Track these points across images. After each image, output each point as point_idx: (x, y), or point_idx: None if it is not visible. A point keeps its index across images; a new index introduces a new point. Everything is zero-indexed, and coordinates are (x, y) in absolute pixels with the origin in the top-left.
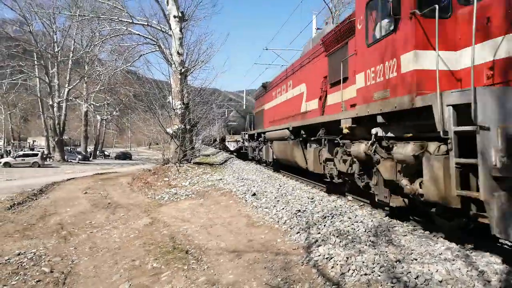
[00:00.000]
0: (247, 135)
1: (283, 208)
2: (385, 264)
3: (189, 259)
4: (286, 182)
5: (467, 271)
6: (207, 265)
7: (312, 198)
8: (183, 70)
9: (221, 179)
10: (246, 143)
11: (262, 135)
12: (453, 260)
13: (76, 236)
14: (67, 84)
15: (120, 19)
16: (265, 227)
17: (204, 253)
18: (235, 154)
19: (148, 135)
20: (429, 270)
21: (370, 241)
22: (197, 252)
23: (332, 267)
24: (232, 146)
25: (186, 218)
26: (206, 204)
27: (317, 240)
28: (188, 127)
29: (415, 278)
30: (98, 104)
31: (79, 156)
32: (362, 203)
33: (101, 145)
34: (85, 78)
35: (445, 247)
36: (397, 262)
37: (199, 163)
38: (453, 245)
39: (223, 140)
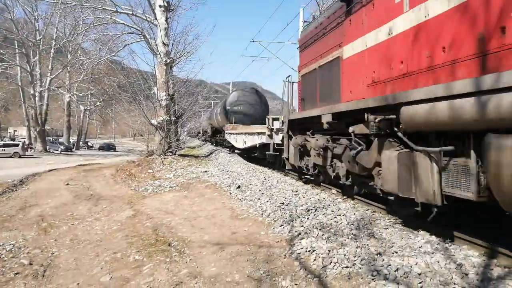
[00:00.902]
0: (285, 122)
1: (267, 201)
2: (366, 257)
3: (172, 251)
4: (271, 175)
5: (446, 264)
6: (190, 257)
7: (296, 191)
8: (168, 61)
9: (206, 171)
10: (280, 138)
11: None
12: (433, 253)
13: (57, 228)
14: (49, 73)
15: (104, 7)
16: (249, 220)
17: (187, 245)
18: (244, 154)
19: (133, 127)
20: (408, 263)
21: (352, 234)
22: (180, 245)
23: (314, 259)
24: (240, 142)
25: (170, 210)
26: (190, 196)
27: (300, 233)
28: (173, 118)
29: (395, 271)
30: (81, 94)
31: (62, 147)
32: (345, 197)
33: (85, 136)
34: (68, 67)
35: (425, 240)
36: (378, 255)
37: (184, 155)
38: (433, 238)
39: (215, 132)
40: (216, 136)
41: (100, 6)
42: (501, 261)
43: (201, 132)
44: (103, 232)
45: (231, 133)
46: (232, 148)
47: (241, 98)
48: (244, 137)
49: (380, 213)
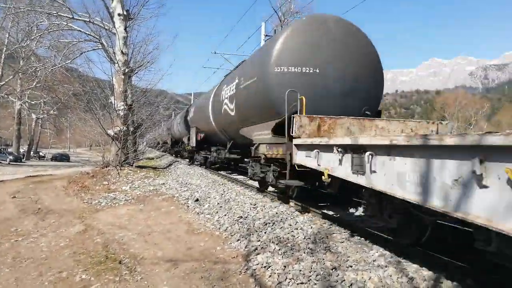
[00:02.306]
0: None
1: (225, 215)
2: (321, 272)
3: (122, 269)
4: (230, 188)
5: (398, 278)
6: (141, 275)
7: (255, 204)
8: (127, 70)
9: (164, 183)
10: None
11: None
12: (386, 266)
13: None
14: None
15: (59, 13)
16: (205, 234)
17: (139, 263)
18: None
19: (88, 137)
20: (362, 277)
21: (308, 248)
22: (131, 262)
23: (270, 276)
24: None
25: (123, 225)
26: (146, 210)
27: (256, 248)
28: (131, 129)
29: (349, 286)
30: (33, 102)
31: (10, 157)
32: (302, 210)
33: (36, 146)
34: (20, 73)
35: (379, 254)
36: (333, 270)
37: (141, 167)
38: (387, 252)
39: (175, 142)
40: (175, 147)
41: (55, 12)
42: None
43: (160, 142)
44: (49, 249)
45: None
46: (192, 160)
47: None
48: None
49: (337, 225)
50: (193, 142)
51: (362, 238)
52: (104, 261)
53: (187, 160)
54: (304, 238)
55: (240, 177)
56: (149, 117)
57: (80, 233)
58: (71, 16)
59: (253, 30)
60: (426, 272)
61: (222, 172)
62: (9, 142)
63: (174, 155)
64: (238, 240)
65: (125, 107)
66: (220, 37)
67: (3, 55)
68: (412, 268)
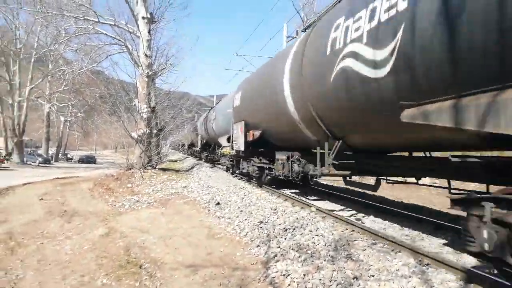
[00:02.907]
0: None
1: (245, 219)
2: (342, 282)
3: (142, 274)
4: (251, 191)
5: None
6: (160, 281)
7: (275, 209)
8: (150, 73)
9: (186, 186)
10: None
11: None
12: (410, 276)
13: (25, 248)
14: (28, 83)
15: (85, 17)
16: (225, 239)
17: (159, 268)
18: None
19: (113, 139)
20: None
21: (329, 256)
22: (151, 267)
23: (289, 284)
24: None
25: (145, 228)
26: (168, 213)
27: (276, 255)
28: (154, 131)
29: None
30: (61, 105)
31: (40, 159)
32: (324, 215)
33: (64, 148)
34: (49, 77)
35: (403, 263)
36: (355, 279)
37: (164, 169)
38: (411, 260)
39: (205, 144)
40: (206, 150)
41: (81, 16)
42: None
43: (185, 144)
44: (73, 252)
45: None
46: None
47: None
48: None
49: (359, 232)
50: (239, 144)
51: (386, 246)
52: (125, 265)
53: (225, 168)
54: (325, 245)
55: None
56: (172, 119)
57: (103, 236)
58: (97, 20)
59: (275, 31)
60: (452, 284)
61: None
62: (39, 144)
63: (204, 160)
64: (258, 246)
65: (149, 109)
66: (242, 38)
67: (32, 58)
68: (437, 279)
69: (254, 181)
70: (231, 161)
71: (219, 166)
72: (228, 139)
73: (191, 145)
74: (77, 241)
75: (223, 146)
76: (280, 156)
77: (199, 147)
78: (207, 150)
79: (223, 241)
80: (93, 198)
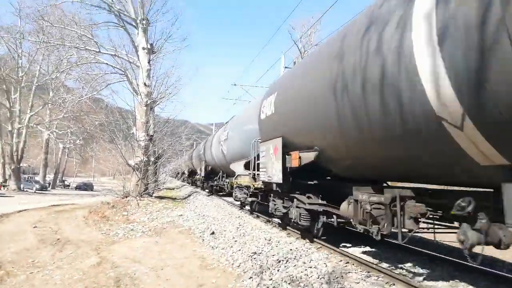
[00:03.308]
0: None
1: (239, 250)
2: None
3: None
4: (246, 221)
5: None
6: None
7: (270, 239)
8: (149, 101)
9: (181, 215)
10: None
11: None
12: None
13: (14, 277)
14: (29, 110)
15: (87, 47)
16: (218, 270)
17: None
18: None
19: (112, 166)
20: None
21: None
22: None
23: None
24: None
25: (138, 258)
26: (162, 242)
27: (268, 287)
28: (152, 159)
29: None
30: (61, 132)
31: (37, 186)
32: (319, 246)
33: (62, 174)
34: (49, 104)
35: None
36: None
37: (161, 197)
38: None
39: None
40: (211, 178)
41: (82, 46)
42: None
43: (180, 173)
44: (63, 283)
45: None
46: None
47: None
48: None
49: (353, 264)
50: (272, 172)
51: (380, 278)
52: None
53: (207, 191)
54: (318, 277)
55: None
56: (170, 147)
57: (94, 266)
58: (98, 50)
59: (273, 61)
60: None
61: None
62: (36, 171)
63: (209, 191)
64: (251, 277)
65: (147, 137)
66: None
67: (33, 86)
68: None
69: (295, 231)
70: (252, 195)
71: (224, 198)
72: (246, 165)
73: (192, 172)
74: (67, 271)
75: (238, 175)
76: (367, 196)
77: (203, 175)
78: (212, 179)
79: (216, 272)
80: (87, 226)
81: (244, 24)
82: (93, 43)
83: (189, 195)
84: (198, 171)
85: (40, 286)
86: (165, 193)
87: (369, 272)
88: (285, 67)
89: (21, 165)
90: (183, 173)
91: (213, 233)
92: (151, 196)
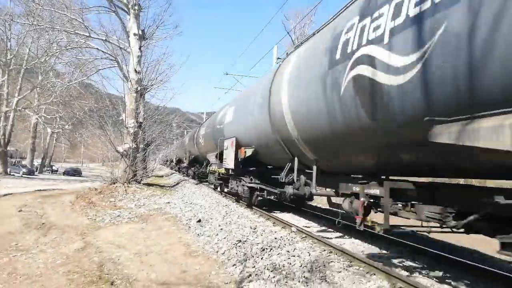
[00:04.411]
0: None
1: (224, 238)
2: None
3: None
4: (233, 209)
5: None
6: None
7: (255, 228)
8: (139, 88)
9: (169, 202)
10: None
11: None
12: None
13: None
14: (17, 93)
15: (76, 32)
16: (202, 257)
17: (131, 284)
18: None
19: (100, 152)
20: None
21: (304, 277)
22: (123, 284)
23: None
24: None
25: (122, 244)
26: (148, 229)
27: (250, 275)
28: (141, 146)
29: None
30: (49, 116)
31: (24, 170)
32: (304, 235)
33: (50, 159)
34: (38, 88)
35: (377, 286)
36: None
37: (149, 184)
38: (385, 283)
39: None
40: (193, 167)
41: (72, 30)
42: None
43: (173, 160)
44: (45, 266)
45: None
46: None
47: None
48: None
49: (336, 254)
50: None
51: (361, 268)
52: (97, 281)
53: (212, 186)
54: (301, 266)
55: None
56: (160, 135)
57: (78, 250)
58: (88, 35)
59: (265, 51)
60: None
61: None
62: (24, 155)
63: (191, 176)
64: (234, 265)
65: (136, 124)
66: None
67: (22, 70)
68: None
69: (243, 202)
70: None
71: (205, 183)
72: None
73: (179, 161)
74: (50, 255)
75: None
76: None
77: (186, 163)
78: (195, 167)
79: (200, 259)
80: (74, 211)
81: (238, 12)
82: (83, 27)
83: (178, 183)
84: (184, 160)
85: (22, 269)
86: (153, 181)
87: (351, 262)
88: (278, 58)
89: (8, 149)
90: (172, 161)
91: (199, 220)
92: (139, 183)
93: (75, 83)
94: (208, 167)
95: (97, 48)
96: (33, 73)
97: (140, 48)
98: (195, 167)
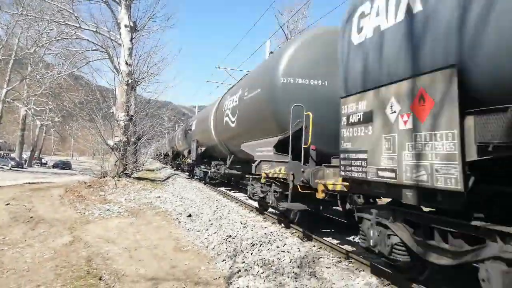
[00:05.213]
0: None
1: (215, 233)
2: None
3: (101, 286)
4: (224, 204)
5: None
6: None
7: (245, 223)
8: (130, 81)
9: (159, 196)
10: None
11: None
12: None
13: None
14: (5, 85)
15: (67, 22)
16: (192, 252)
17: (119, 280)
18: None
19: (89, 145)
20: None
21: (293, 272)
22: (111, 279)
23: None
24: None
25: (112, 238)
26: (137, 223)
27: (240, 270)
28: (132, 139)
29: None
30: (38, 109)
31: (12, 163)
32: (294, 231)
33: (39, 152)
34: (27, 79)
35: (365, 282)
36: None
37: (140, 178)
38: (373, 279)
39: (177, 154)
40: (176, 160)
41: (62, 21)
42: None
43: (162, 154)
44: (33, 261)
45: None
46: (192, 174)
47: None
48: None
49: (326, 249)
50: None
51: (350, 264)
52: (85, 276)
53: (187, 173)
54: (290, 261)
55: (241, 195)
56: (151, 128)
57: (66, 245)
58: (78, 26)
59: (258, 44)
60: None
61: (221, 189)
62: (13, 147)
63: (175, 168)
64: (224, 260)
65: (127, 117)
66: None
67: (11, 60)
68: None
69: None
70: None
71: (194, 177)
72: (188, 152)
73: (166, 155)
74: (38, 249)
75: (185, 157)
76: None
77: (171, 157)
78: (177, 159)
79: (189, 254)
80: (63, 205)
81: (230, 5)
82: (73, 18)
83: (169, 177)
84: (169, 154)
85: (9, 264)
86: (144, 174)
87: (340, 258)
88: (270, 52)
89: None
90: (164, 154)
91: (190, 215)
92: (130, 177)
93: (65, 75)
94: (182, 159)
95: (87, 40)
96: (22, 64)
97: (131, 40)
98: (177, 160)
